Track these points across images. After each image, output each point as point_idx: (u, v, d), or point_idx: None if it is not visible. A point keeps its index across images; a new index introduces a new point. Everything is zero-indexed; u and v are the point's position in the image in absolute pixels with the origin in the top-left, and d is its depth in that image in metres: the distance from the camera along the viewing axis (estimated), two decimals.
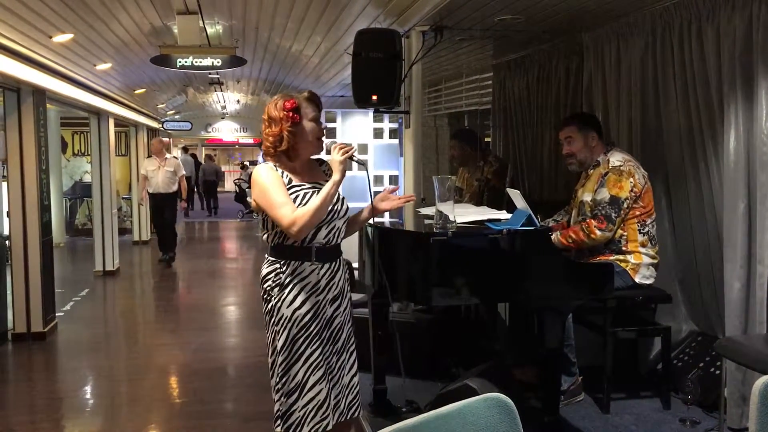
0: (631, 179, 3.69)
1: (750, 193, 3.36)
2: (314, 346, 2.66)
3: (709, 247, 3.86)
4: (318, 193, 2.63)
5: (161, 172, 9.67)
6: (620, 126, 4.42)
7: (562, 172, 5.38)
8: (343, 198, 2.78)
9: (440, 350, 4.36)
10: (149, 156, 10.38)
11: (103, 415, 4.35)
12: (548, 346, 3.29)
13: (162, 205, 9.89)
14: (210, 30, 6.32)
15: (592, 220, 3.70)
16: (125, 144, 12.57)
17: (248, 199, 15.39)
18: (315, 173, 2.79)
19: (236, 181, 19.06)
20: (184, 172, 10.11)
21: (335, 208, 2.71)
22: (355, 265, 3.83)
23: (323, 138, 2.76)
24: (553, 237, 3.72)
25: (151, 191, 9.80)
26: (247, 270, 10.19)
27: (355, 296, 3.85)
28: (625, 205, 3.68)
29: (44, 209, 6.13)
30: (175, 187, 9.81)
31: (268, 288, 2.71)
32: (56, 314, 6.42)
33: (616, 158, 3.81)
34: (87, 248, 10.58)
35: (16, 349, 5.70)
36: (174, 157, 10.64)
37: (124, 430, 4.05)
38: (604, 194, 3.71)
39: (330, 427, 2.68)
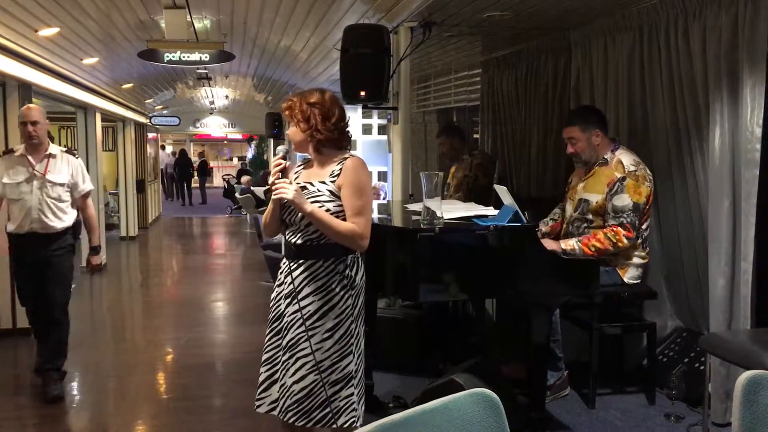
0: (647, 183, 3.66)
1: (735, 190, 3.38)
2: (266, 331, 2.83)
3: (694, 243, 3.89)
4: (288, 191, 2.62)
5: (39, 187, 4.22)
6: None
7: (550, 168, 5.40)
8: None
9: (427, 346, 4.37)
10: (8, 152, 4.39)
11: (90, 410, 4.33)
12: (535, 342, 3.31)
13: (39, 259, 4.23)
14: (198, 25, 6.29)
15: (620, 228, 3.60)
16: (112, 139, 12.49)
17: (236, 194, 15.33)
18: (318, 171, 2.76)
19: (225, 176, 19.06)
20: (89, 186, 4.48)
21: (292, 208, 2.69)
22: None
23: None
24: (571, 244, 3.63)
25: (13, 230, 4.27)
26: (235, 266, 10.16)
27: None
28: (643, 212, 3.66)
29: None
30: (69, 219, 4.32)
31: None
32: None
33: (628, 160, 3.71)
34: None
35: (2, 345, 5.66)
36: (67, 150, 4.47)
37: (111, 426, 4.04)
38: (626, 201, 3.62)
39: (262, 410, 2.79)
